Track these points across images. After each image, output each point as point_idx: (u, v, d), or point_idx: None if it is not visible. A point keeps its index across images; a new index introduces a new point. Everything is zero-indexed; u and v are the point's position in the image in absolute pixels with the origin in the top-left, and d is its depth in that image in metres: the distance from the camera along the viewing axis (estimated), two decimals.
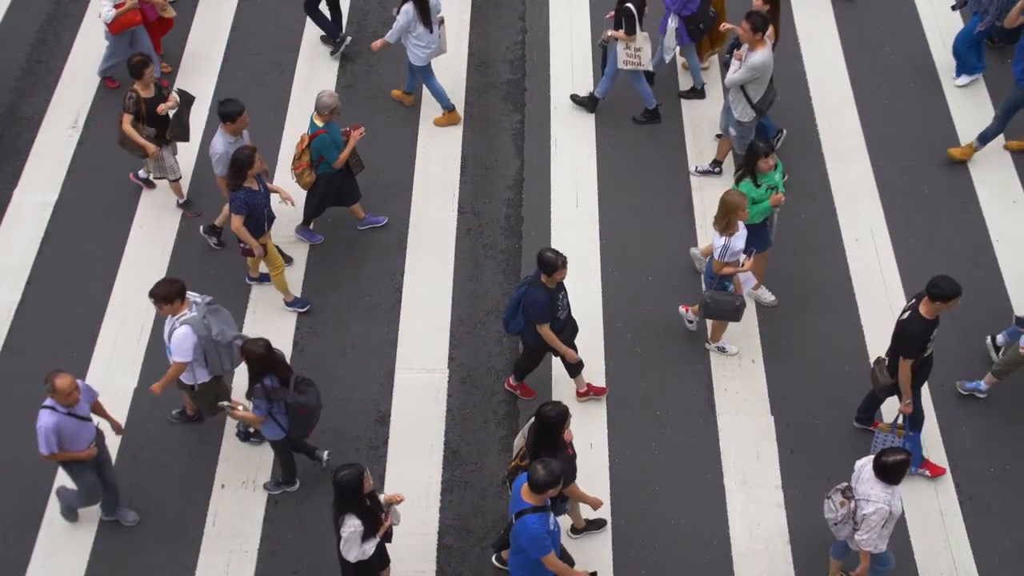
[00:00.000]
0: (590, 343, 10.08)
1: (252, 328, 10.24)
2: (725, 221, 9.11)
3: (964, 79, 12.30)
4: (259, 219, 9.59)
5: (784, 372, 9.92)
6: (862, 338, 10.15)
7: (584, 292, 10.48)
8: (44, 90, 12.47)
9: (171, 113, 10.40)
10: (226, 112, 9.71)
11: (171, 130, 10.51)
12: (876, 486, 7.54)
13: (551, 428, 7.60)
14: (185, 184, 11.21)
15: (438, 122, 12.05)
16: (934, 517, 8.97)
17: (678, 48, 11.86)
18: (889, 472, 7.47)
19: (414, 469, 9.32)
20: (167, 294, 8.37)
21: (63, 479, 9.20)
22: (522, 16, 13.37)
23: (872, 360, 9.96)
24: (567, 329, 9.04)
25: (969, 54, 12.10)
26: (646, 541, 8.86)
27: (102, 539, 8.91)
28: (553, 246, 10.87)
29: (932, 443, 9.40)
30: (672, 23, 11.48)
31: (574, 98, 12.17)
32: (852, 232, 10.97)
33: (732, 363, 9.97)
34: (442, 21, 11.57)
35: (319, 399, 8.46)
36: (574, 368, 9.32)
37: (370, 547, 7.50)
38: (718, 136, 11.65)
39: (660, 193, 11.38)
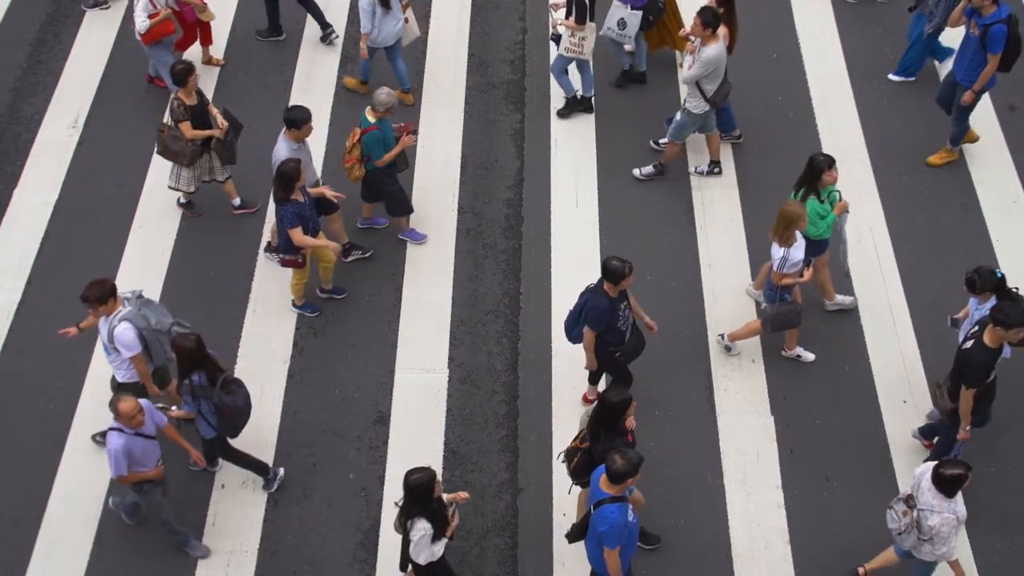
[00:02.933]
0: None
1: (252, 328, 10.24)
2: (785, 233, 8.98)
3: (899, 77, 12.44)
4: (306, 230, 9.52)
5: (784, 372, 9.92)
6: (862, 338, 10.15)
7: None
8: (44, 90, 12.47)
9: (217, 120, 10.38)
10: (292, 119, 9.64)
11: (219, 151, 10.48)
12: (938, 496, 7.55)
13: (612, 414, 7.72)
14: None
15: (348, 83, 12.34)
16: None
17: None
18: (946, 484, 7.48)
19: None
20: (100, 295, 8.33)
21: (63, 480, 9.22)
22: (522, 16, 13.36)
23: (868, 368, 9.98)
24: (630, 342, 8.92)
25: (915, 54, 12.20)
26: (645, 540, 8.85)
27: (102, 539, 8.91)
28: (553, 246, 10.89)
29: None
30: (628, 12, 11.62)
31: (561, 113, 12.19)
32: (852, 232, 10.96)
33: (732, 363, 9.97)
34: (407, 5, 11.72)
35: (247, 401, 8.42)
36: (594, 375, 9.31)
37: (439, 548, 7.56)
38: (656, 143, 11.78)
39: (660, 193, 11.38)
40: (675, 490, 9.14)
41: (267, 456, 9.36)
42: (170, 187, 10.78)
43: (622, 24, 11.72)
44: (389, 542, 8.87)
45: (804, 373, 9.91)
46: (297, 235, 9.40)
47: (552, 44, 12.14)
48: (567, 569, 8.74)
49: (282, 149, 9.73)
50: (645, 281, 10.58)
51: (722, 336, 9.98)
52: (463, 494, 7.79)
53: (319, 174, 11.51)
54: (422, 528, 7.41)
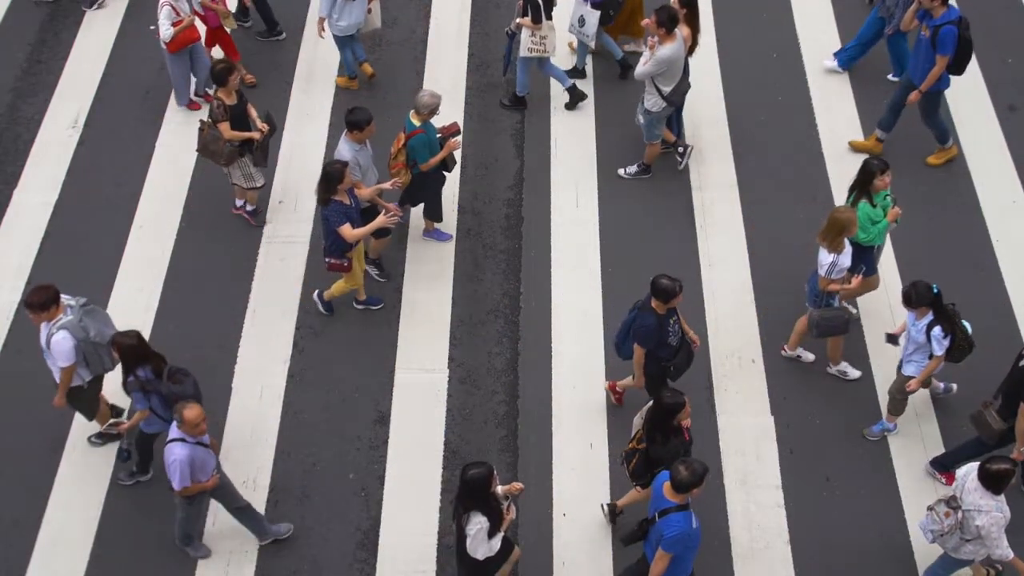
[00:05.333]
0: (591, 343, 10.09)
1: (252, 329, 10.24)
2: (836, 239, 8.93)
3: (834, 63, 12.56)
4: None
5: (784, 372, 9.92)
6: (862, 338, 10.15)
7: (584, 292, 10.49)
8: (44, 90, 12.47)
9: (256, 123, 10.43)
10: (354, 121, 9.56)
11: (254, 155, 10.49)
12: (985, 495, 7.55)
13: (667, 414, 7.79)
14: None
15: (339, 83, 12.40)
16: None
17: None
18: (994, 481, 7.49)
19: (414, 469, 9.33)
20: (43, 301, 8.29)
21: (62, 480, 9.22)
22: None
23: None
24: (680, 355, 8.85)
25: (860, 50, 12.31)
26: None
27: (102, 539, 8.91)
28: (553, 246, 10.88)
29: (932, 443, 9.41)
30: (587, 9, 11.67)
31: (568, 106, 12.21)
32: None
33: (732, 363, 9.97)
34: None
35: (196, 388, 8.40)
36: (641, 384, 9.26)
37: (496, 543, 7.55)
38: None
39: (660, 192, 11.38)
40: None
41: (267, 456, 9.37)
42: (246, 186, 10.71)
43: (582, 21, 11.78)
44: (389, 542, 8.89)
45: (804, 373, 9.91)
46: (347, 231, 9.28)
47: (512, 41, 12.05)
48: (567, 569, 8.74)
49: (345, 151, 9.63)
50: (646, 281, 10.55)
51: (784, 349, 9.91)
52: (518, 485, 7.75)
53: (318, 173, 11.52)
54: (479, 522, 7.38)
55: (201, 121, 10.39)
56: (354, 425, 9.62)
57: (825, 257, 9.01)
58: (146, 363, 8.22)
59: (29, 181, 11.54)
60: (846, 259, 9.03)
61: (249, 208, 11.03)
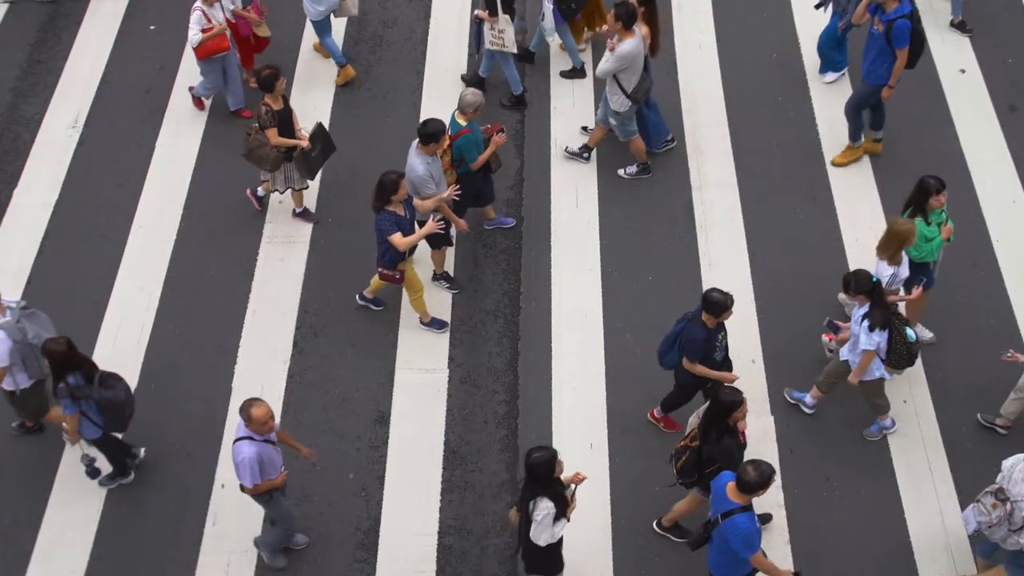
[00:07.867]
0: (591, 343, 10.10)
1: (251, 330, 10.24)
2: (896, 252, 8.90)
3: (831, 76, 12.46)
4: None
5: (784, 372, 9.92)
6: None
7: (584, 292, 10.49)
8: (44, 90, 12.48)
9: (297, 132, 10.43)
10: (428, 133, 9.37)
11: (298, 162, 10.45)
12: None
13: (724, 412, 7.78)
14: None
15: (338, 82, 12.39)
16: (934, 516, 8.98)
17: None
18: None
19: (414, 469, 9.33)
20: None
21: (62, 480, 9.22)
22: (522, 16, 13.32)
23: None
24: (722, 370, 8.82)
25: (833, 52, 12.25)
26: (646, 542, 8.86)
27: (102, 539, 8.91)
28: (553, 246, 10.88)
29: (932, 443, 9.41)
30: (548, 3, 11.70)
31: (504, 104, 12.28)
32: (852, 232, 10.97)
33: (732, 363, 9.94)
34: None
35: (128, 393, 8.43)
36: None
37: (560, 529, 7.56)
38: (584, 128, 11.92)
39: (660, 193, 11.38)
40: (675, 489, 9.13)
41: None
42: (281, 192, 10.73)
43: (543, 16, 11.84)
44: (389, 542, 8.89)
45: (804, 373, 9.90)
46: (397, 239, 9.22)
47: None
48: (567, 569, 8.72)
49: (418, 165, 9.48)
50: (646, 281, 10.58)
51: (830, 337, 9.78)
52: (582, 474, 7.75)
53: (319, 175, 11.53)
54: (545, 507, 7.38)
55: (249, 126, 10.38)
56: (354, 425, 9.63)
57: (884, 269, 8.96)
58: (76, 369, 8.21)
59: (29, 181, 11.55)
60: (905, 270, 9.03)
61: (298, 210, 11.05)
